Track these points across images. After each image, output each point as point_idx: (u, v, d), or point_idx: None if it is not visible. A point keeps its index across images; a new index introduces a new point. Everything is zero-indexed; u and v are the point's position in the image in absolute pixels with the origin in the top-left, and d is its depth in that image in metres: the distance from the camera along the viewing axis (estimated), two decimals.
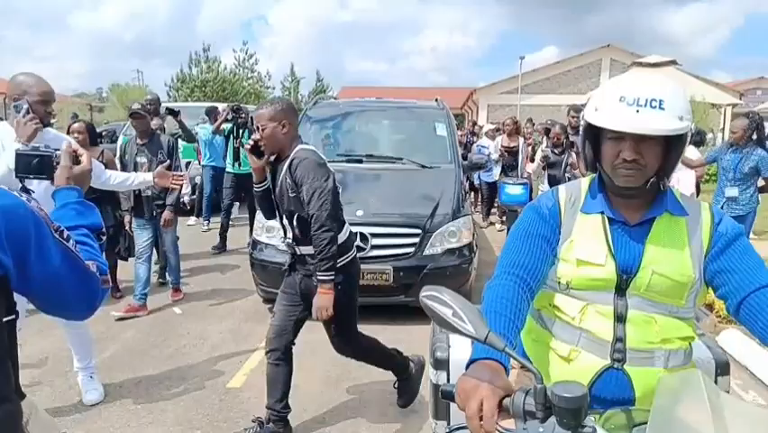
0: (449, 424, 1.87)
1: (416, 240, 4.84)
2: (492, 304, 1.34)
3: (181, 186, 5.73)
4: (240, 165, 7.47)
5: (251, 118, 7.52)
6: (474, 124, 13.89)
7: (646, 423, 1.05)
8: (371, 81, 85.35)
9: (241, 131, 7.49)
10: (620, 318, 1.43)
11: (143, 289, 5.12)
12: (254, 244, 5.15)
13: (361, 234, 4.76)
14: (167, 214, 5.10)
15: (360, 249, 4.75)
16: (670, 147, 1.40)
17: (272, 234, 5.03)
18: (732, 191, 5.35)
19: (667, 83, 1.39)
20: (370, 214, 4.91)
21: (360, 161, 5.77)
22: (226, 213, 7.69)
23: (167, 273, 5.78)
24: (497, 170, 8.71)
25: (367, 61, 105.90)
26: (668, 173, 1.45)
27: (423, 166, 5.64)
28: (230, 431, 3.23)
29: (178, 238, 5.62)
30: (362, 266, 4.73)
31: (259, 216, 5.28)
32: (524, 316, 1.36)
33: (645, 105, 1.33)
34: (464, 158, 6.29)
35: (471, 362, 1.19)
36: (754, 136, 5.28)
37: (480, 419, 1.05)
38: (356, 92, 33.22)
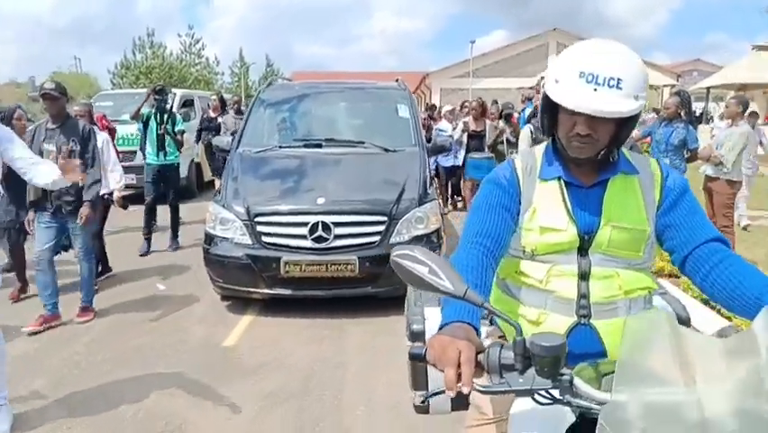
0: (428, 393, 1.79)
1: (382, 228, 4.50)
2: (446, 299, 1.28)
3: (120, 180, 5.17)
4: (165, 155, 6.69)
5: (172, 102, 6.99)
6: (433, 107, 13.15)
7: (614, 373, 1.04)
8: (322, 66, 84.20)
9: (165, 116, 6.68)
10: (584, 276, 1.46)
11: (50, 298, 4.35)
12: (208, 237, 4.70)
13: (323, 223, 4.39)
14: (85, 210, 4.23)
15: (322, 239, 4.40)
16: (622, 123, 1.42)
17: (227, 226, 4.59)
18: (664, 162, 5.54)
19: (627, 57, 1.37)
20: (332, 201, 4.54)
21: (319, 146, 5.35)
22: (150, 211, 6.67)
23: (80, 288, 4.58)
24: (461, 155, 8.28)
25: (316, 45, 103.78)
26: (619, 146, 1.48)
27: (386, 150, 5.27)
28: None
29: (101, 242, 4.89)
30: (326, 257, 4.42)
31: (212, 207, 4.83)
32: (490, 282, 1.39)
33: (603, 84, 1.32)
34: (428, 140, 5.95)
35: (442, 327, 1.19)
36: (683, 113, 5.77)
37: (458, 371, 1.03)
38: (308, 77, 32.40)
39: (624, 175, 1.50)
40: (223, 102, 9.62)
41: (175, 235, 6.82)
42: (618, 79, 1.31)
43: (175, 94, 11.69)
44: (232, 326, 4.46)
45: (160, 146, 6.66)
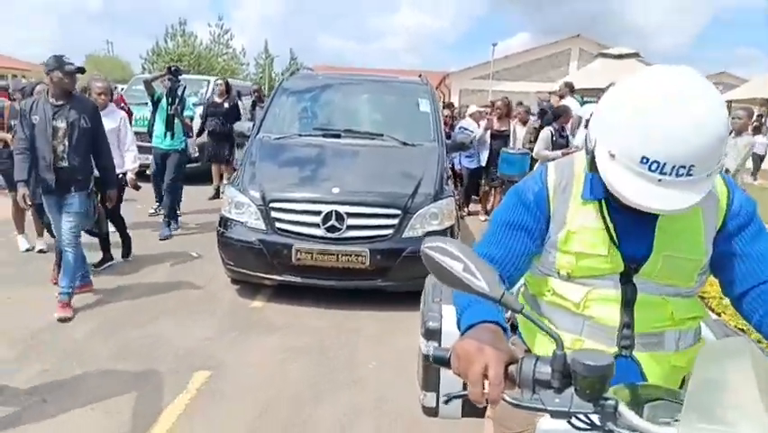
0: (438, 396, 1.75)
1: (396, 221, 4.37)
2: (466, 295, 1.10)
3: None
4: (172, 136, 6.36)
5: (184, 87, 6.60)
6: (450, 105, 12.82)
7: (659, 399, 0.98)
8: (344, 60, 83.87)
9: (177, 98, 6.36)
10: (628, 303, 1.26)
11: (80, 269, 4.25)
12: (222, 220, 4.60)
13: (337, 213, 4.27)
14: (113, 192, 4.31)
15: (335, 229, 4.28)
16: None
17: (242, 210, 4.49)
18: None
19: (706, 127, 1.02)
20: (347, 192, 4.41)
21: (338, 136, 5.22)
22: (173, 195, 6.47)
23: (59, 277, 4.20)
24: (484, 155, 7.92)
25: (339, 40, 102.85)
26: None
27: (404, 143, 5.13)
28: None
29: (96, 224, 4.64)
30: (337, 247, 4.30)
31: (228, 190, 4.74)
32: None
33: (671, 174, 1.04)
34: (448, 137, 5.79)
35: (468, 328, 1.08)
36: None
37: (484, 386, 0.93)
38: (331, 71, 32.38)
39: None
40: (228, 87, 8.81)
41: (168, 223, 6.40)
42: (691, 166, 1.04)
43: (208, 81, 11.70)
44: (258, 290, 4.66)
45: (168, 127, 6.34)
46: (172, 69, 6.44)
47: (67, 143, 3.97)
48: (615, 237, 1.26)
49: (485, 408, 1.51)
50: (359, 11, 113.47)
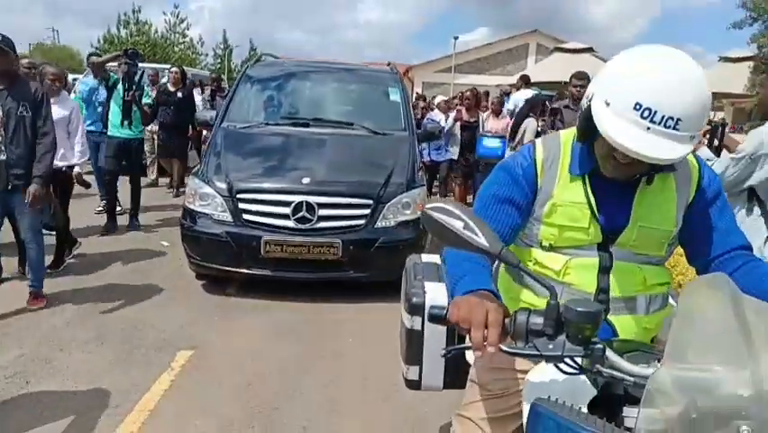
0: (421, 369, 1.81)
1: (368, 211, 4.24)
2: (455, 263, 1.25)
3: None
4: (130, 124, 5.89)
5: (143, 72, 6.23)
6: (423, 97, 12.53)
7: (636, 351, 1.06)
8: (304, 52, 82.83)
9: (134, 84, 5.82)
10: (604, 270, 1.35)
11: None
12: (186, 213, 4.37)
13: (308, 203, 4.12)
14: (33, 187, 3.57)
15: (306, 220, 4.12)
16: None
17: (206, 201, 4.28)
18: None
19: (695, 89, 1.13)
20: (318, 182, 4.26)
21: (306, 125, 5.04)
22: (111, 186, 5.99)
23: (26, 270, 4.03)
24: (454, 149, 7.79)
25: (300, 32, 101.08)
26: (658, 171, 1.30)
27: (375, 132, 4.99)
28: None
29: (50, 223, 4.31)
30: (309, 239, 4.14)
31: (192, 181, 4.50)
32: (489, 273, 1.26)
33: (659, 124, 1.11)
34: (418, 126, 5.69)
35: (464, 294, 1.11)
36: None
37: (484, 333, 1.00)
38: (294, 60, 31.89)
39: (663, 173, 1.34)
40: (183, 75, 8.10)
41: (135, 215, 6.14)
42: (678, 119, 1.11)
43: (169, 70, 11.18)
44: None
45: (125, 114, 5.83)
46: (129, 51, 5.94)
47: (3, 133, 3.57)
48: (595, 211, 1.34)
49: (465, 379, 1.58)
50: (320, 4, 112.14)
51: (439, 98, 9.24)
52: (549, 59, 21.04)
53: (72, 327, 3.67)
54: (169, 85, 7.93)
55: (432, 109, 9.42)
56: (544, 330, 1.00)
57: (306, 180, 4.24)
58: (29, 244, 3.86)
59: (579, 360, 1.01)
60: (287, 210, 4.11)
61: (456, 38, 28.01)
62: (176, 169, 8.06)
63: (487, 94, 9.61)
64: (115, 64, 6.43)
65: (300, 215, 4.11)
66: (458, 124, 7.69)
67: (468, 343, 1.04)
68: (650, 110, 1.11)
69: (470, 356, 1.66)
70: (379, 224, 4.24)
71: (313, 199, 4.13)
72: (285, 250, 4.08)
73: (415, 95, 13.43)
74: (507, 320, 1.03)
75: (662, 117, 1.11)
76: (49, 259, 4.36)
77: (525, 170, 1.38)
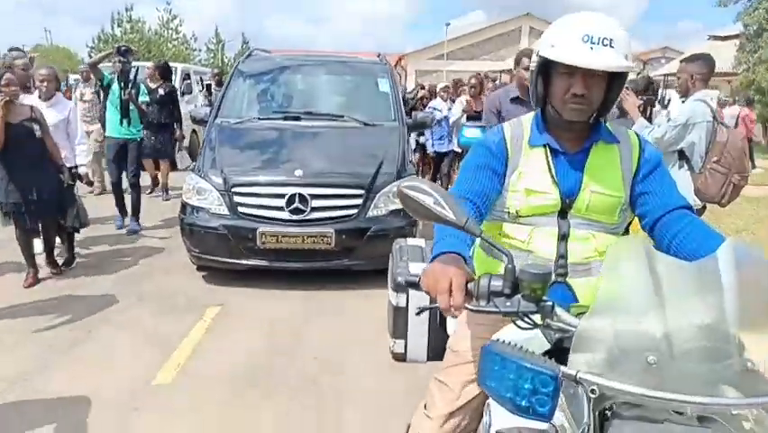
0: (407, 342, 1.97)
1: (359, 201, 4.33)
2: (439, 229, 1.36)
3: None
4: (129, 123, 5.79)
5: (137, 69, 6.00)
6: (422, 87, 11.75)
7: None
8: (297, 43, 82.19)
9: (129, 82, 5.73)
10: (563, 237, 1.51)
11: None
12: (184, 207, 4.47)
13: (301, 195, 4.21)
14: None
15: (299, 211, 4.21)
16: (611, 84, 1.46)
17: (203, 196, 4.36)
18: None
19: (615, 23, 1.43)
20: (310, 174, 4.34)
21: (298, 119, 5.11)
22: (118, 189, 5.93)
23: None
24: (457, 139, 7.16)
25: (291, 24, 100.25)
26: (608, 109, 1.52)
27: (365, 124, 5.06)
28: None
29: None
30: (302, 229, 4.24)
31: (189, 177, 4.59)
32: (462, 236, 1.36)
33: (598, 43, 1.37)
34: (408, 115, 5.73)
35: (435, 257, 1.25)
36: None
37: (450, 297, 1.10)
38: (285, 53, 31.69)
39: (605, 144, 1.55)
40: (164, 71, 7.51)
41: (136, 216, 5.98)
42: (611, 39, 1.38)
43: (176, 68, 11.20)
44: None
45: (124, 114, 5.72)
46: (122, 49, 5.78)
47: None
48: (554, 176, 1.52)
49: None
50: None
51: (441, 84, 8.69)
52: (580, 16, 20.90)
53: (114, 295, 4.22)
54: (148, 81, 7.23)
55: (434, 97, 8.90)
56: (503, 291, 1.12)
57: (298, 173, 4.33)
58: None
59: (534, 318, 1.14)
60: (281, 202, 4.21)
61: (448, 24, 28.17)
62: (162, 170, 7.58)
63: (494, 80, 8.92)
64: (109, 63, 6.28)
65: (294, 206, 4.20)
66: (465, 115, 6.95)
67: (434, 305, 1.16)
68: (590, 36, 1.38)
69: (449, 328, 1.77)
70: (370, 213, 4.33)
71: (306, 191, 4.22)
72: (280, 241, 4.18)
73: (414, 83, 12.88)
74: (471, 284, 1.14)
75: (600, 39, 1.37)
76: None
77: (497, 145, 1.58)
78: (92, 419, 2.68)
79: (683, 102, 3.74)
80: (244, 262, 4.30)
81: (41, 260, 4.51)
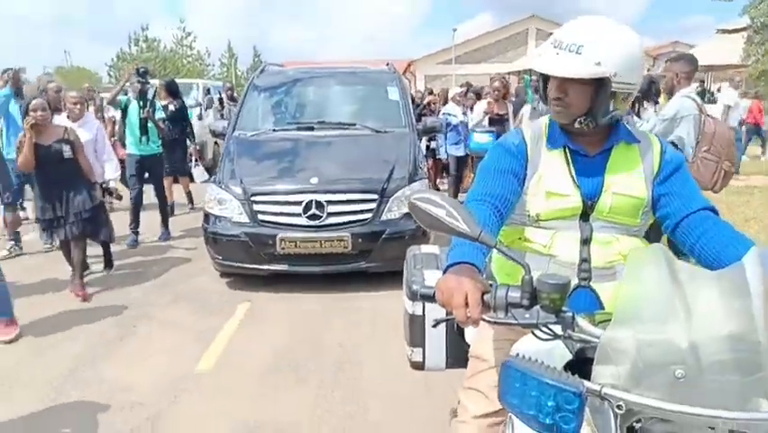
0: (424, 351, 1.90)
1: (374, 205, 4.48)
2: (456, 243, 1.33)
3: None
4: (148, 141, 5.99)
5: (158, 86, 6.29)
6: (431, 92, 11.41)
7: (610, 320, 1.06)
8: (308, 52, 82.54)
9: (147, 101, 5.96)
10: (586, 241, 1.47)
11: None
12: (207, 217, 4.65)
13: (317, 201, 4.36)
14: None
15: (316, 217, 4.37)
16: (595, 91, 1.42)
17: (224, 206, 4.55)
18: None
19: (599, 29, 1.41)
20: (325, 181, 4.50)
21: (311, 128, 5.28)
22: (136, 206, 6.04)
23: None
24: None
25: (298, 32, 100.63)
26: (596, 115, 1.45)
27: (376, 131, 5.22)
28: None
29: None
30: (320, 234, 4.40)
31: (211, 188, 4.78)
32: (495, 234, 1.39)
33: (564, 50, 1.38)
34: (419, 120, 5.85)
35: (447, 268, 1.22)
36: None
37: (466, 311, 1.07)
38: (298, 64, 32.07)
39: (626, 144, 1.52)
40: (171, 88, 7.22)
41: (165, 225, 6.27)
42: (579, 46, 1.37)
43: (197, 84, 11.58)
44: None
45: (143, 131, 5.93)
46: (140, 70, 6.05)
47: None
48: (575, 178, 1.49)
49: (466, 358, 1.68)
50: (320, 3, 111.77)
51: (453, 90, 8.46)
52: (571, 21, 20.83)
53: (151, 297, 4.60)
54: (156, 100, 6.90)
55: (445, 103, 8.59)
56: (521, 302, 1.08)
57: (314, 180, 4.49)
58: None
59: (555, 329, 1.10)
60: (298, 209, 4.37)
61: (455, 29, 27.96)
62: (183, 184, 7.57)
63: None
64: (128, 84, 6.46)
65: (311, 212, 4.36)
66: (487, 117, 6.80)
67: (450, 316, 1.14)
68: (559, 41, 1.40)
69: (468, 337, 1.79)
70: (384, 216, 4.47)
71: (322, 197, 4.38)
72: (299, 246, 4.34)
73: (424, 89, 12.36)
74: (487, 296, 1.11)
75: (567, 44, 1.38)
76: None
77: (517, 146, 1.55)
78: (143, 403, 2.97)
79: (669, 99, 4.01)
80: (265, 267, 4.46)
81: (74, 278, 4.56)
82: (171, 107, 7.06)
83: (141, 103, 5.99)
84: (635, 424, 0.98)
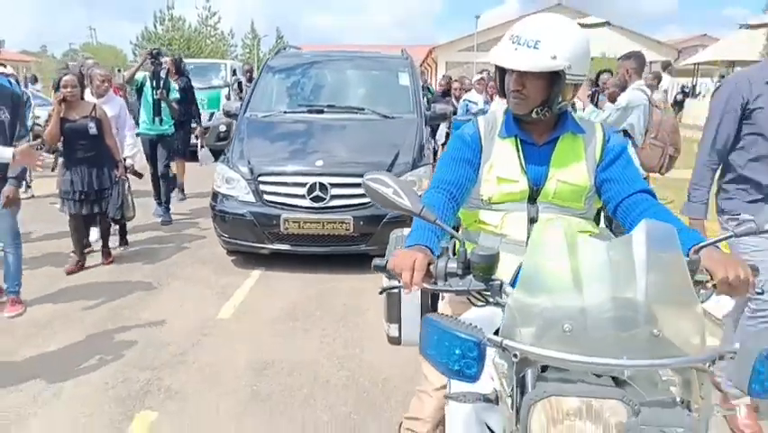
0: (400, 327, 2.01)
1: None
2: (414, 225, 1.46)
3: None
4: (161, 122, 6.05)
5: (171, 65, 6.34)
6: (450, 79, 10.19)
7: None
8: (330, 37, 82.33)
9: (161, 81, 6.02)
10: (533, 221, 1.58)
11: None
12: (215, 195, 4.74)
13: (321, 184, 4.41)
14: (8, 189, 3.39)
15: (320, 199, 4.42)
16: (550, 83, 1.50)
17: (232, 185, 4.62)
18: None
19: (553, 25, 1.49)
20: (330, 164, 4.54)
21: (321, 112, 5.31)
22: (156, 180, 6.17)
23: (4, 277, 3.86)
24: None
25: (325, 16, 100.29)
26: (551, 105, 1.54)
27: (385, 116, 5.23)
28: None
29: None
30: (323, 216, 4.45)
31: (219, 167, 4.85)
32: (449, 217, 1.53)
33: (523, 45, 1.46)
34: (454, 112, 5.79)
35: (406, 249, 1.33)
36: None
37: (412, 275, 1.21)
38: (318, 49, 31.97)
39: (571, 135, 1.63)
40: (178, 66, 6.99)
41: (167, 208, 6.22)
42: (537, 41, 1.45)
43: (225, 65, 11.68)
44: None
45: (156, 112, 6.02)
46: (153, 52, 6.13)
47: None
48: (523, 165, 1.61)
49: None
50: None
51: (477, 76, 8.16)
52: (526, 18, 20.58)
53: (176, 260, 5.01)
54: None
55: (467, 90, 8.31)
56: (456, 271, 1.21)
57: (319, 163, 4.53)
58: (7, 248, 3.71)
59: (486, 296, 1.22)
60: (302, 190, 4.42)
61: (478, 17, 27.81)
62: (177, 169, 7.09)
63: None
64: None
65: (315, 194, 4.41)
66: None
67: (399, 282, 1.26)
68: (517, 36, 1.48)
69: (440, 311, 1.87)
70: None
71: (326, 180, 4.42)
72: (302, 226, 4.40)
73: (443, 76, 11.74)
74: (432, 266, 1.24)
75: (525, 40, 1.46)
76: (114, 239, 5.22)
77: (471, 137, 1.68)
78: (171, 343, 3.43)
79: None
80: (269, 246, 4.54)
81: (97, 246, 4.94)
82: (175, 85, 6.70)
83: (155, 83, 6.05)
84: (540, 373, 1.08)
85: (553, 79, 1.49)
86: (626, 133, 4.24)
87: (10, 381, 2.93)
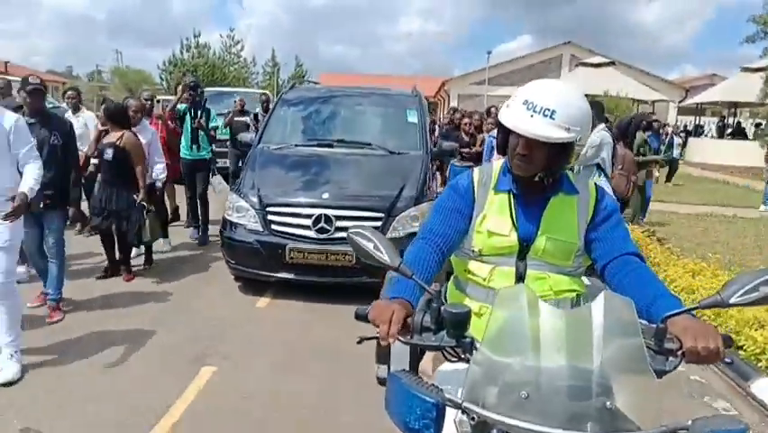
0: (389, 369, 1.98)
1: (379, 223, 4.57)
2: (407, 261, 1.46)
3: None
4: (198, 149, 6.36)
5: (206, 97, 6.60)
6: (454, 110, 10.92)
7: None
8: (347, 66, 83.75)
9: (199, 111, 6.34)
10: (521, 277, 1.59)
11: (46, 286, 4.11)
12: (225, 223, 4.84)
13: (326, 216, 4.49)
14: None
15: (325, 230, 4.50)
16: (556, 151, 1.51)
17: (242, 213, 4.72)
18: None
19: (566, 96, 1.49)
20: (336, 197, 4.63)
21: (330, 146, 5.43)
22: (193, 203, 6.58)
23: (45, 284, 4.13)
24: None
25: (342, 46, 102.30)
26: (554, 172, 1.58)
27: (391, 152, 5.33)
28: None
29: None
30: (327, 247, 4.52)
31: (231, 196, 4.96)
32: (433, 272, 1.52)
33: (538, 113, 1.45)
34: (434, 144, 5.90)
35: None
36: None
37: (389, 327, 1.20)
38: (335, 78, 32.52)
39: (564, 194, 1.63)
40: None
41: (204, 229, 6.53)
42: (553, 111, 1.45)
43: (264, 94, 11.86)
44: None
45: (193, 140, 6.33)
46: (192, 84, 6.45)
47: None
48: (515, 221, 1.62)
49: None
50: (361, 17, 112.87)
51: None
52: (574, 73, 20.80)
53: (211, 269, 5.58)
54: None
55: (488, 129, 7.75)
56: (430, 327, 1.21)
57: (325, 195, 4.62)
58: (52, 259, 4.02)
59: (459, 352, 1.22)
60: (308, 222, 4.51)
61: (489, 52, 28.37)
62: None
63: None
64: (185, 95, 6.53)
65: (320, 226, 4.49)
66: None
67: (376, 334, 1.27)
68: (532, 103, 1.47)
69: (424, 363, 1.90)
70: (389, 235, 4.53)
71: (331, 212, 4.50)
72: (306, 257, 4.47)
73: (453, 111, 11.66)
74: (409, 319, 1.24)
75: (541, 108, 1.45)
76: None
77: (465, 188, 1.69)
78: (216, 325, 4.17)
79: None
80: (274, 274, 4.61)
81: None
82: (215, 114, 6.88)
83: (193, 113, 6.35)
84: None
85: (562, 148, 1.50)
86: (599, 167, 4.97)
87: (102, 347, 3.70)
